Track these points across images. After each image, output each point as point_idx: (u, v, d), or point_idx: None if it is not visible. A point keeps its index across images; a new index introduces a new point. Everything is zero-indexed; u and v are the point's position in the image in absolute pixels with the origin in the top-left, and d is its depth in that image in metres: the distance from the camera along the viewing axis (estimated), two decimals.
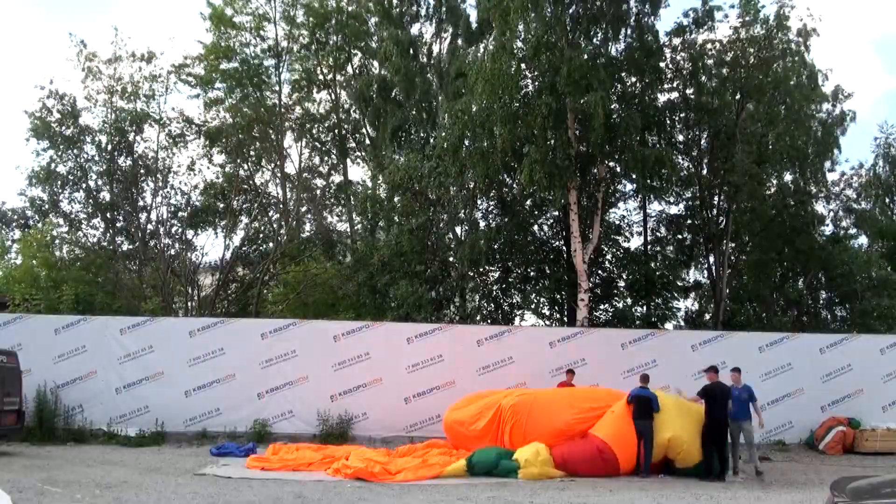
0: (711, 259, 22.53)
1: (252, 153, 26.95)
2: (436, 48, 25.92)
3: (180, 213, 24.66)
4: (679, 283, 23.86)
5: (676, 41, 20.74)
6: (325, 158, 29.74)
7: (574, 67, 16.91)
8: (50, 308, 19.59)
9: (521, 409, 12.85)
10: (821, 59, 52.22)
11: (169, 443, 14.82)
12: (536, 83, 18.68)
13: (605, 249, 22.98)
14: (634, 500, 10.15)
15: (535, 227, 23.10)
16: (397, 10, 25.61)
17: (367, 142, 28.41)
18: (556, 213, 22.38)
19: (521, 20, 17.53)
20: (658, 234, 24.11)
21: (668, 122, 20.96)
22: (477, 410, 13.48)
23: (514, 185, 21.28)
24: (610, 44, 19.16)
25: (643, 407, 12.31)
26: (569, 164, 17.81)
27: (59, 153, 24.07)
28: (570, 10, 18.59)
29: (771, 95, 20.54)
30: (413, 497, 10.12)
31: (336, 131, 28.91)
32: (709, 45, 20.97)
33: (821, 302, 25.18)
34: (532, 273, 23.22)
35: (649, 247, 23.73)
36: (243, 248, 25.08)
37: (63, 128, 23.82)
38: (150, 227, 24.02)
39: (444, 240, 22.62)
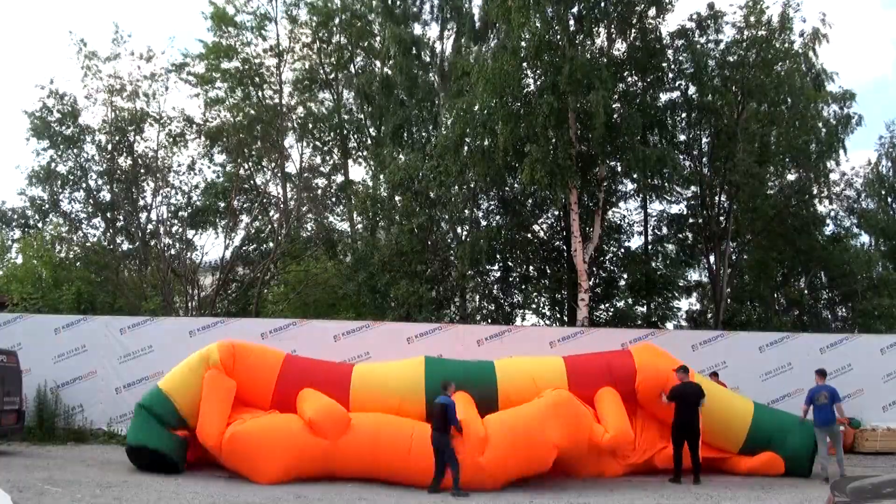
0: (712, 258, 22.46)
1: (253, 153, 26.93)
2: (438, 47, 25.95)
3: (180, 213, 24.64)
4: (680, 283, 23.83)
5: (679, 42, 20.70)
6: (327, 158, 29.75)
7: (576, 67, 16.88)
8: (51, 307, 19.59)
9: None
10: (828, 56, 51.86)
11: None
12: (538, 82, 18.65)
13: (606, 249, 22.96)
14: (635, 500, 10.16)
15: (536, 227, 23.08)
16: (399, 9, 25.59)
17: (369, 141, 28.39)
18: (557, 212, 22.34)
19: (523, 19, 17.49)
20: (659, 233, 24.10)
21: (670, 121, 20.90)
22: None
23: (515, 185, 21.26)
24: (613, 43, 19.14)
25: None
26: (570, 164, 17.78)
27: (59, 153, 24.02)
28: (573, 10, 18.56)
29: (773, 96, 20.47)
30: (413, 497, 10.13)
31: (338, 131, 28.89)
32: (711, 46, 20.92)
33: (821, 302, 25.14)
34: (532, 273, 23.20)
35: (650, 246, 23.70)
36: (243, 248, 25.06)
37: (63, 127, 23.77)
38: (150, 226, 24.00)
39: (444, 239, 22.59)
